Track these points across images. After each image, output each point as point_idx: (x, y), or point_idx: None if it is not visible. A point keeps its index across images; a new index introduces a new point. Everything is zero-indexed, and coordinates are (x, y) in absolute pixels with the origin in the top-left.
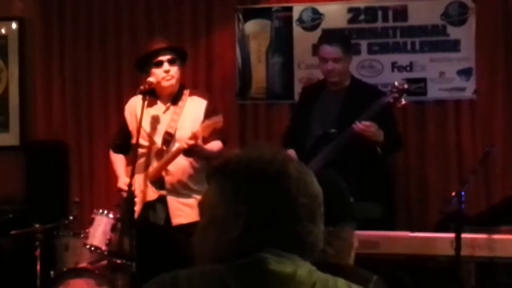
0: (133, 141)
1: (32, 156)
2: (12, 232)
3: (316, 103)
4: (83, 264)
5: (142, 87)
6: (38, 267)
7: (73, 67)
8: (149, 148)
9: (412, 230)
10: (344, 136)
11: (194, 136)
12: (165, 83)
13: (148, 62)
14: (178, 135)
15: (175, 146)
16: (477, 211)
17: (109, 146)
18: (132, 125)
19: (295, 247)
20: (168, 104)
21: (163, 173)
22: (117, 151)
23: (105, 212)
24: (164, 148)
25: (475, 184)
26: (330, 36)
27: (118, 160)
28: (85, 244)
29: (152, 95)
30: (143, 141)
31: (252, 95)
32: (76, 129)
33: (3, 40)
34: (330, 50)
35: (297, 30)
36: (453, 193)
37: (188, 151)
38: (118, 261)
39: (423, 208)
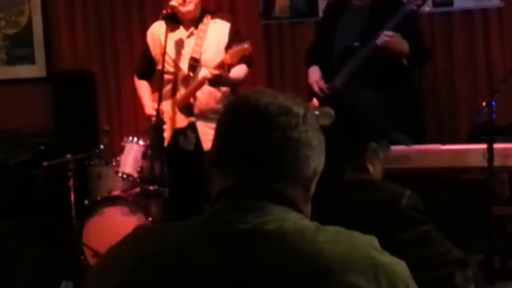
0: (159, 67)
1: (60, 87)
2: (44, 164)
3: (340, 19)
4: (117, 192)
5: (164, 11)
6: (72, 197)
7: None
8: (175, 74)
9: (443, 143)
10: (368, 48)
11: (222, 63)
12: (182, 9)
13: None
14: (203, 59)
15: (202, 70)
16: (509, 121)
17: (133, 73)
18: (155, 51)
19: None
20: (191, 29)
21: (191, 100)
22: (141, 77)
23: (135, 139)
24: (191, 74)
25: (505, 93)
26: None
27: (143, 87)
28: (117, 172)
29: (175, 20)
30: (169, 67)
31: (276, 15)
32: (102, 57)
33: None
34: None
35: None
36: (484, 103)
37: (213, 81)
38: (151, 187)
39: (453, 120)
